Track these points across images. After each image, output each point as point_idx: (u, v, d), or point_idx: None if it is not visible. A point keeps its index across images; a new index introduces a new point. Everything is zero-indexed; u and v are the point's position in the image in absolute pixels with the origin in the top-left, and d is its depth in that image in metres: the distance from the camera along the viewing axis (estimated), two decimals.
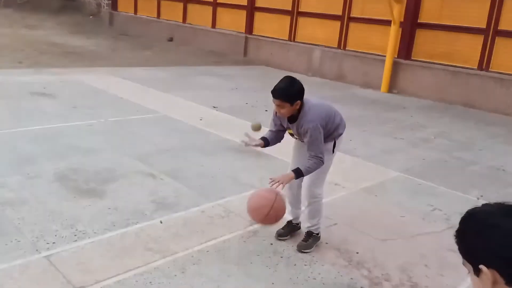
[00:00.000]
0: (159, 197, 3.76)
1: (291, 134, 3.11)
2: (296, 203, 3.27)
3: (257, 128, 3.23)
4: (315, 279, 2.82)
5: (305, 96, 2.95)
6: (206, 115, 6.60)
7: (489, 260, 0.99)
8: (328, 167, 3.12)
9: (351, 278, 2.87)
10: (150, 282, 2.64)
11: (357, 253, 3.18)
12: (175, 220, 3.41)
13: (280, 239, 3.24)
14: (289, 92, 2.81)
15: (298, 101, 2.85)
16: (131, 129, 5.59)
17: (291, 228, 3.32)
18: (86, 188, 3.82)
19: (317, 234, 3.21)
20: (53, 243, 2.95)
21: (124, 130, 5.54)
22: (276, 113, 2.98)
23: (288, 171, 2.98)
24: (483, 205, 1.09)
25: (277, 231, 3.28)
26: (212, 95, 7.98)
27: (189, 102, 7.33)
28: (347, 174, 4.69)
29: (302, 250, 3.11)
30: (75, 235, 3.07)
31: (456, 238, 1.09)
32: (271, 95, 2.88)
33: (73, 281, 2.58)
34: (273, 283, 2.74)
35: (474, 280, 1.05)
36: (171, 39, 15.19)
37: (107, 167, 4.30)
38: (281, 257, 3.05)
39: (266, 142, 3.09)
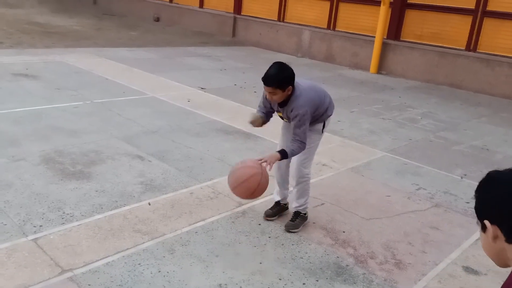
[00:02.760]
0: (147, 179, 3.75)
1: (281, 117, 3.12)
2: (284, 183, 3.30)
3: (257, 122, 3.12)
4: (302, 258, 2.87)
5: (297, 79, 2.94)
6: (194, 96, 6.54)
7: (491, 216, 1.06)
8: (316, 147, 3.16)
9: (337, 257, 2.92)
10: (139, 264, 2.65)
11: (344, 232, 3.24)
12: (164, 201, 3.42)
13: (268, 220, 3.27)
14: (280, 79, 2.80)
15: (290, 87, 2.84)
16: (118, 110, 5.52)
17: (279, 209, 3.35)
18: (72, 170, 3.79)
19: (305, 214, 3.25)
20: (40, 226, 2.94)
21: (111, 111, 5.47)
22: (266, 96, 2.96)
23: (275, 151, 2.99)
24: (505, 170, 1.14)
25: (265, 212, 3.31)
26: (200, 76, 7.89)
27: (177, 83, 7.25)
28: (334, 155, 4.73)
29: (290, 230, 3.15)
30: (63, 218, 3.06)
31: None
32: (259, 76, 2.85)
33: (61, 264, 2.58)
34: (261, 263, 2.78)
35: (481, 236, 1.13)
36: (157, 19, 14.88)
37: (94, 149, 4.26)
38: (269, 237, 3.09)
39: (264, 118, 3.14)
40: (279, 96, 2.85)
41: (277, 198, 3.34)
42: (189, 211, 3.31)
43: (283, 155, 2.87)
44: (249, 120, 3.10)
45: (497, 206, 1.05)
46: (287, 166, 3.23)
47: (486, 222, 1.06)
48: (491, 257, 1.13)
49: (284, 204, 3.38)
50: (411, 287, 2.69)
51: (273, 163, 2.86)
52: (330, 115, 3.13)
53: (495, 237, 1.05)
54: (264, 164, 2.79)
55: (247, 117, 3.20)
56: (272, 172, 3.02)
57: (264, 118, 3.12)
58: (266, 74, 2.81)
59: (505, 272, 3.17)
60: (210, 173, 3.99)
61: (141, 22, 14.35)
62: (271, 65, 2.86)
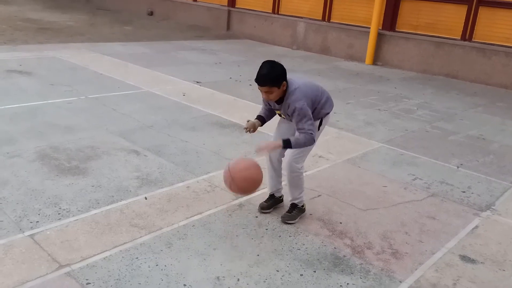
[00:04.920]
0: (143, 173, 3.75)
1: (279, 115, 3.11)
2: (277, 176, 3.29)
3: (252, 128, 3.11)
4: (299, 249, 2.88)
5: (289, 75, 2.93)
6: (189, 90, 6.51)
7: None
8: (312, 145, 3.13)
9: (334, 248, 2.93)
10: (137, 258, 2.66)
11: (341, 223, 3.25)
12: (160, 195, 3.41)
13: (263, 212, 3.28)
14: (273, 76, 2.79)
15: (284, 82, 2.84)
16: (113, 106, 5.49)
17: (274, 201, 3.34)
18: (68, 166, 3.77)
19: (302, 206, 3.25)
20: (37, 222, 2.93)
21: (106, 107, 5.44)
22: (263, 96, 2.97)
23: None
24: None
25: (260, 204, 3.31)
26: (195, 70, 7.85)
27: (172, 77, 7.22)
28: (330, 146, 4.73)
29: (286, 221, 3.16)
30: (59, 214, 3.05)
31: None
32: (255, 70, 2.84)
33: (58, 259, 2.58)
34: (258, 255, 2.79)
35: None
36: (151, 13, 14.78)
37: (89, 145, 4.24)
38: (266, 229, 3.09)
39: (263, 120, 3.14)
40: (275, 94, 2.85)
41: (271, 191, 3.34)
42: (186, 204, 3.31)
43: (286, 143, 2.87)
44: (245, 126, 3.08)
45: None
46: (279, 161, 3.21)
47: None
48: None
49: (278, 196, 3.37)
50: (408, 276, 2.71)
51: (272, 148, 2.90)
52: (328, 113, 3.10)
53: None
54: (262, 146, 2.87)
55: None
56: (265, 165, 3.03)
57: (260, 122, 3.12)
58: (258, 74, 2.81)
59: (502, 261, 3.19)
60: (207, 166, 3.98)
61: (135, 17, 14.25)
62: (261, 65, 2.86)
